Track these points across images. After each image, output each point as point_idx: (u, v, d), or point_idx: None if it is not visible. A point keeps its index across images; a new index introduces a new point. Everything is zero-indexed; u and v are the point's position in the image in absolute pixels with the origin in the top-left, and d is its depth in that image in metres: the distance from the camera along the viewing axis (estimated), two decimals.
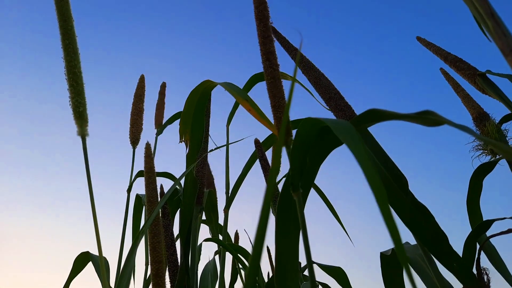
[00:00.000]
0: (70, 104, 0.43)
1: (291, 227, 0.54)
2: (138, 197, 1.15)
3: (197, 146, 0.59)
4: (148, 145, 0.57)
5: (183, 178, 0.61)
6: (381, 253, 0.84)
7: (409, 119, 0.37)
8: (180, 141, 0.62)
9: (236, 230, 1.50)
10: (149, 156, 0.56)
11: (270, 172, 0.27)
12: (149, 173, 0.54)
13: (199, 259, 0.85)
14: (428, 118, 0.34)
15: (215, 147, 0.97)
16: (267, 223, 0.26)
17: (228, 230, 1.06)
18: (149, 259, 0.48)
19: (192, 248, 0.63)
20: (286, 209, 0.52)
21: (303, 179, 0.42)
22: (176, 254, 0.64)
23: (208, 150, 0.66)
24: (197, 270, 0.69)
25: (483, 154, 1.02)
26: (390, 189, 0.66)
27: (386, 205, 0.28)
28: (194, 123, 0.59)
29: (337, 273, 1.03)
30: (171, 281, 0.61)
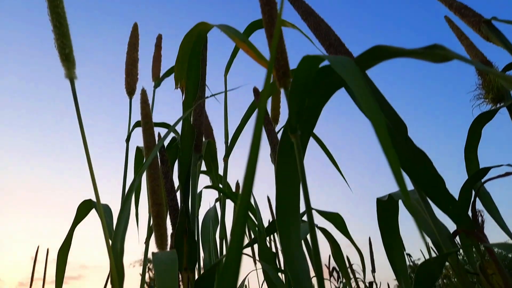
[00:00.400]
0: (55, 46, 0.41)
1: (291, 172, 0.54)
2: (138, 149, 1.15)
3: (193, 92, 0.57)
4: (143, 91, 0.55)
5: (181, 126, 0.61)
6: (377, 198, 0.86)
7: (416, 55, 0.35)
8: (176, 88, 0.61)
9: (237, 181, 1.52)
10: (145, 102, 0.55)
11: (260, 95, 0.27)
12: (146, 119, 0.53)
13: (199, 205, 0.87)
14: (436, 54, 0.32)
15: (214, 96, 0.95)
16: (259, 150, 0.25)
17: (228, 180, 1.08)
18: (150, 202, 0.48)
19: (192, 194, 0.63)
20: (285, 154, 0.52)
21: (302, 123, 0.42)
22: (176, 200, 0.65)
23: (206, 97, 0.64)
24: (198, 215, 0.71)
25: (484, 103, 1.01)
26: (389, 135, 0.66)
27: (388, 140, 0.28)
28: (190, 68, 0.57)
29: (335, 218, 1.06)
30: (172, 225, 0.62)
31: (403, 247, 0.87)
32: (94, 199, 0.93)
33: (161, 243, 0.45)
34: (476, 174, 0.79)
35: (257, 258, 0.73)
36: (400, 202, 0.85)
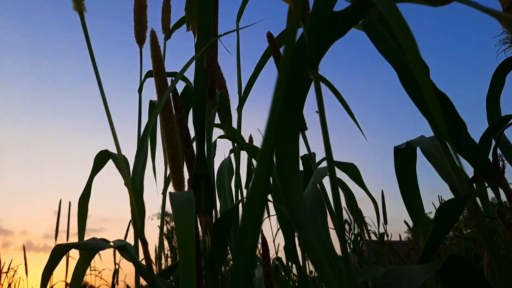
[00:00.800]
0: None
1: (290, 117, 0.52)
2: (152, 103, 1.14)
3: (205, 34, 0.55)
4: (153, 32, 0.53)
5: (194, 70, 0.59)
6: (395, 147, 0.84)
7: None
8: (187, 30, 0.58)
9: (250, 134, 1.52)
10: (155, 44, 0.53)
11: (288, 25, 0.25)
12: (157, 62, 0.52)
13: (214, 154, 0.87)
14: None
15: (226, 49, 0.92)
16: (284, 90, 0.24)
17: (242, 133, 1.07)
18: (165, 145, 0.48)
19: (207, 140, 0.63)
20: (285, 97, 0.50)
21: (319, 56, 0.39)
22: (192, 147, 0.65)
23: (218, 38, 0.62)
24: (213, 163, 0.71)
25: (510, 48, 0.95)
26: (410, 78, 0.63)
27: (427, 78, 0.26)
28: (201, 8, 0.54)
29: (350, 169, 1.06)
30: (189, 172, 0.62)
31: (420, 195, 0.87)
32: (111, 151, 0.94)
33: (177, 185, 0.45)
34: (497, 122, 0.76)
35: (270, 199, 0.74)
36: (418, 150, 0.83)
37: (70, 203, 2.32)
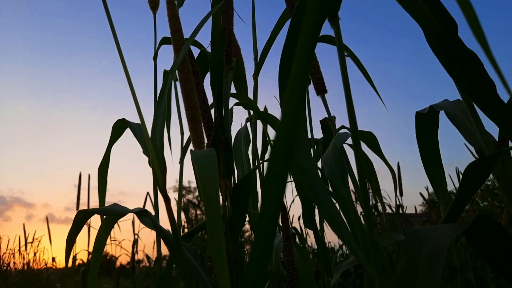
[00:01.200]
0: None
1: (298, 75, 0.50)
2: (166, 72, 1.13)
3: None
4: None
5: (211, 31, 0.57)
6: (417, 112, 0.82)
7: None
8: None
9: (265, 106, 1.50)
10: (171, 1, 0.51)
11: None
12: (173, 20, 0.50)
13: (231, 121, 0.86)
14: None
15: (239, 16, 0.89)
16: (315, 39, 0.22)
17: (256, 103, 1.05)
18: (184, 106, 0.47)
19: (225, 106, 0.62)
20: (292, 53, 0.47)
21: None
22: (210, 111, 0.64)
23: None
24: (230, 129, 0.70)
25: None
26: (437, 35, 0.60)
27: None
28: None
29: (367, 137, 1.04)
30: (207, 136, 0.62)
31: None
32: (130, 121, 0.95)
33: (198, 145, 0.44)
34: None
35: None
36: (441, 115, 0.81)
37: (89, 175, 2.38)
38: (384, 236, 0.76)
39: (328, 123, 0.72)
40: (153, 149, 0.36)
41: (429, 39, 0.61)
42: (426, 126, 0.84)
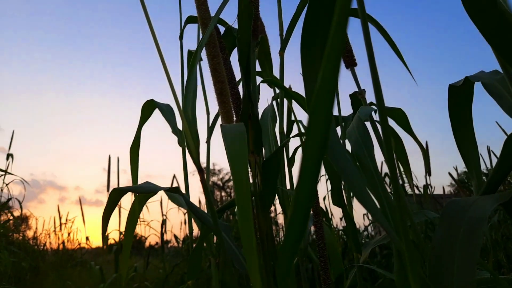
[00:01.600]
0: None
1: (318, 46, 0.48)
2: (190, 53, 1.13)
3: None
4: None
5: (237, 5, 0.56)
6: (450, 85, 0.79)
7: None
8: None
9: (290, 84, 1.48)
10: None
11: None
12: None
13: (258, 98, 0.85)
14: None
15: None
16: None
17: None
18: (212, 80, 0.47)
19: (252, 81, 0.61)
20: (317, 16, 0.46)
21: None
22: (237, 88, 0.64)
23: None
24: (258, 106, 0.70)
25: None
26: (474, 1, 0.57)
27: None
28: None
29: (396, 114, 1.01)
30: (235, 113, 0.62)
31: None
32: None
33: (227, 119, 0.44)
34: None
35: None
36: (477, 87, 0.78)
37: (118, 158, 2.44)
38: (417, 213, 0.75)
39: (358, 97, 0.71)
40: (185, 121, 0.36)
41: (466, 3, 0.58)
42: (459, 99, 0.81)
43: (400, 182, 2.13)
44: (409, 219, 0.55)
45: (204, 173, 0.37)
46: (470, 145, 0.80)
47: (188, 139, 0.36)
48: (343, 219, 2.80)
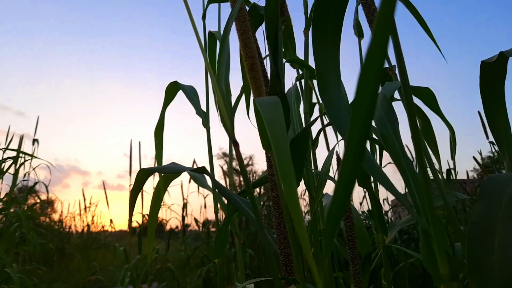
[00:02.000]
0: None
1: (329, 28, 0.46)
2: (211, 34, 1.12)
3: None
4: None
5: None
6: (482, 61, 0.76)
7: None
8: None
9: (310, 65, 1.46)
10: None
11: None
12: None
13: (284, 77, 0.84)
14: None
15: None
16: None
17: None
18: (243, 55, 0.47)
19: (280, 58, 0.60)
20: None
21: None
22: (264, 65, 0.63)
23: None
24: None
25: None
26: None
27: None
28: None
29: (424, 94, 0.98)
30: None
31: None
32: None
33: (259, 94, 0.44)
34: None
35: None
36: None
37: (139, 143, 2.48)
38: (448, 194, 0.73)
39: (388, 73, 0.69)
40: (220, 95, 0.36)
41: None
42: (492, 75, 0.78)
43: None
44: (442, 199, 0.54)
45: (239, 146, 0.36)
46: (502, 123, 0.77)
47: (222, 112, 0.36)
48: (362, 203, 2.78)
